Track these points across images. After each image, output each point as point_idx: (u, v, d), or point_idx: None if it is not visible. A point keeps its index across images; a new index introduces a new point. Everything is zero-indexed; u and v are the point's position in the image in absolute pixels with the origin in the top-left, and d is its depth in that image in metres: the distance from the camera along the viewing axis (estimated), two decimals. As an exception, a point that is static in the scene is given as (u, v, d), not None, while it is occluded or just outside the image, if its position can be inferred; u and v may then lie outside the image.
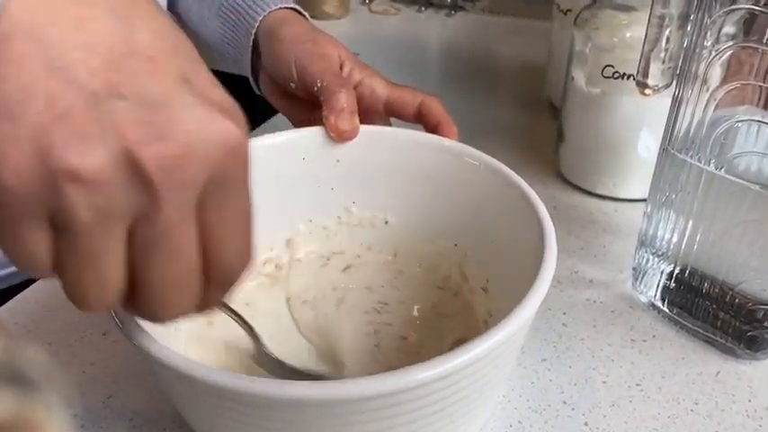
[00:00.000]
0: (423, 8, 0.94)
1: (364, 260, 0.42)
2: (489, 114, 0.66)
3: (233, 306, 0.33)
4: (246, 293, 0.38)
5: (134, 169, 0.19)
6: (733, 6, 0.32)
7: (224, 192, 0.21)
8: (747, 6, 0.32)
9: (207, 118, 0.20)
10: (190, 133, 0.20)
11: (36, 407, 0.14)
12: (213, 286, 0.23)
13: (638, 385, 0.37)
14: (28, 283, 0.44)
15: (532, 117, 0.65)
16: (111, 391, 0.37)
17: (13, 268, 0.50)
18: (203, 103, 0.20)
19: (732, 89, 0.35)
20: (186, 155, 0.20)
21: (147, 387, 0.37)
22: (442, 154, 0.39)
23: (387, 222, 0.42)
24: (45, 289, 0.44)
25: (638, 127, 0.48)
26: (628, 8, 0.46)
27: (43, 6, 0.19)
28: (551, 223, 0.32)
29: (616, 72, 0.47)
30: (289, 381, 0.25)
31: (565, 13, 0.59)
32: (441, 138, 0.40)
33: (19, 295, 0.43)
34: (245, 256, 0.23)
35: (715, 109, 0.35)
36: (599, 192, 0.52)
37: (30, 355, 0.14)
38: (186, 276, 0.22)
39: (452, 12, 0.92)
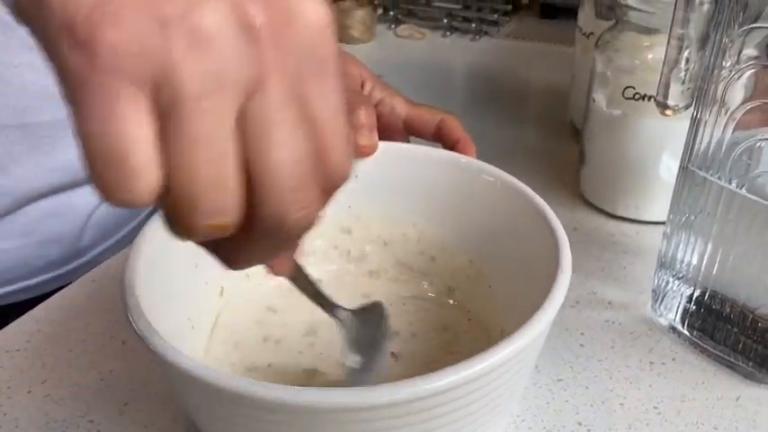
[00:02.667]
0: (448, 33, 0.95)
1: (383, 274, 0.43)
2: (513, 137, 0.66)
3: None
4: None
5: (248, 32, 0.17)
6: (752, 25, 0.32)
7: (322, 75, 0.19)
8: (765, 26, 0.32)
9: None
10: (291, 5, 0.18)
11: None
12: (327, 180, 0.20)
13: (655, 408, 0.36)
14: (52, 293, 0.46)
15: (555, 140, 0.65)
16: (127, 398, 0.37)
17: (41, 278, 0.52)
18: None
19: (753, 108, 0.35)
20: (290, 23, 0.18)
21: (162, 396, 0.37)
22: (460, 170, 0.39)
23: (405, 235, 0.42)
24: (68, 297, 0.45)
25: (660, 148, 0.47)
26: (649, 30, 0.46)
27: None
28: (567, 240, 0.32)
29: (637, 93, 0.47)
30: (303, 387, 0.25)
31: (587, 37, 0.59)
32: (458, 155, 0.40)
33: (43, 303, 0.44)
34: (349, 158, 0.20)
35: (735, 129, 0.35)
36: (620, 213, 0.52)
37: None
38: (306, 162, 0.19)
39: (477, 37, 0.93)
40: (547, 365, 0.39)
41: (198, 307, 0.36)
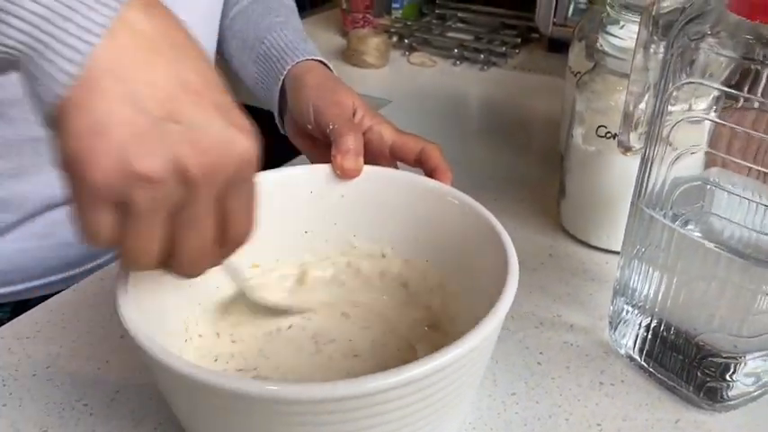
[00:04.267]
0: (458, 62, 0.99)
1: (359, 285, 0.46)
2: (507, 165, 0.70)
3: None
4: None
5: (183, 174, 0.27)
6: (691, 80, 0.35)
7: (240, 186, 0.29)
8: (696, 81, 0.35)
9: (233, 138, 0.28)
10: (221, 148, 0.27)
11: None
12: (227, 247, 0.32)
13: (598, 425, 0.39)
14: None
15: (546, 170, 0.68)
16: (119, 387, 0.42)
17: (57, 276, 0.57)
18: (230, 125, 0.28)
19: (700, 151, 0.38)
20: (218, 163, 0.27)
21: (150, 387, 0.41)
22: (429, 193, 0.43)
23: (384, 255, 0.46)
24: (77, 293, 0.49)
25: (628, 184, 0.50)
26: (622, 74, 0.50)
27: (121, 52, 0.26)
28: (515, 253, 0.36)
29: (608, 132, 0.50)
30: (261, 380, 0.28)
31: (575, 75, 0.63)
32: (429, 179, 0.44)
33: (54, 297, 0.49)
34: (250, 228, 0.32)
35: (679, 171, 0.38)
36: (593, 243, 0.55)
37: None
38: (209, 246, 0.30)
39: (485, 67, 0.97)
40: (504, 379, 0.42)
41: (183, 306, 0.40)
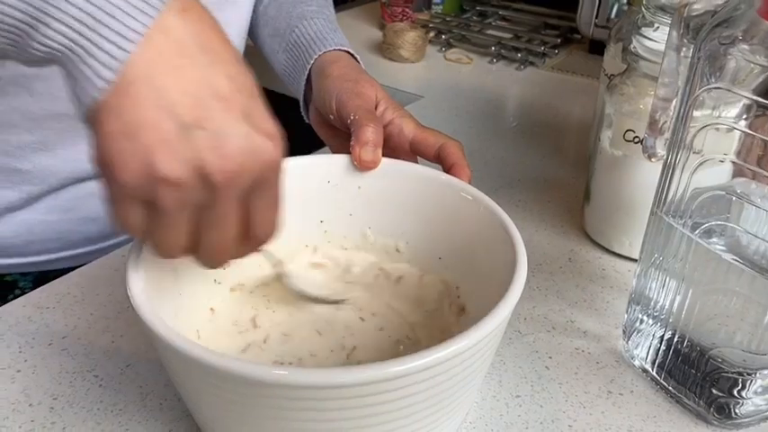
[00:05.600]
0: (495, 60, 0.98)
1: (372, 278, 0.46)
2: (536, 166, 0.69)
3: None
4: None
5: (205, 179, 0.28)
6: (716, 85, 0.34)
7: (263, 188, 0.30)
8: (724, 87, 0.34)
9: (258, 145, 0.29)
10: (244, 155, 0.28)
11: None
12: (251, 244, 0.33)
13: (602, 434, 0.39)
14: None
15: (575, 173, 0.67)
16: (131, 361, 0.42)
17: (78, 251, 0.58)
18: (256, 132, 0.29)
19: (725, 161, 0.37)
20: (240, 170, 0.28)
21: (159, 363, 0.42)
22: (443, 188, 0.43)
23: (398, 250, 0.46)
24: (97, 268, 0.51)
25: (653, 191, 0.49)
26: (654, 78, 0.48)
27: (155, 59, 0.27)
28: (524, 251, 0.35)
29: (636, 137, 0.49)
30: (269, 364, 0.29)
31: (609, 78, 0.61)
32: (443, 174, 0.44)
33: (75, 270, 0.50)
34: (274, 228, 0.33)
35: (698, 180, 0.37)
36: (615, 250, 0.54)
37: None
38: (230, 243, 0.32)
39: (522, 66, 0.96)
40: (509, 381, 0.42)
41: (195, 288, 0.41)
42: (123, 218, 0.29)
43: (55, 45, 0.27)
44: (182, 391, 0.35)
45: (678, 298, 0.39)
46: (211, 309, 0.42)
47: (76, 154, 0.52)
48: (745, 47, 0.34)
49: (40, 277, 0.56)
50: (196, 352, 0.29)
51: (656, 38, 0.48)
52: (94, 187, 0.55)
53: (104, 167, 0.28)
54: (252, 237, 0.32)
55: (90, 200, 0.55)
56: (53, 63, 0.29)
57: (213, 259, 0.32)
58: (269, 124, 0.30)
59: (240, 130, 0.28)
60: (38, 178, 0.52)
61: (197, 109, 0.28)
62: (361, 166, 0.45)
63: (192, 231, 0.30)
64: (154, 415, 0.39)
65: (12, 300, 0.47)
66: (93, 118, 0.27)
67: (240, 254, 0.33)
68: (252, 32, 0.64)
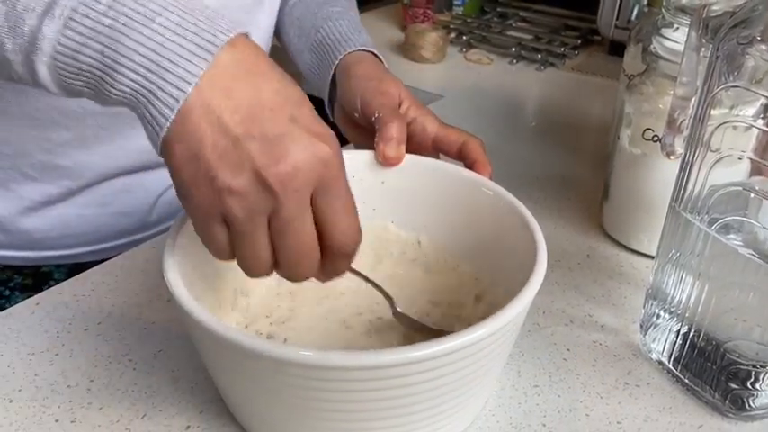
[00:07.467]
0: (515, 61, 0.99)
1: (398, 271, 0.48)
2: (555, 165, 0.70)
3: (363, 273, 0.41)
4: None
5: (263, 184, 0.30)
6: (734, 84, 0.35)
7: (327, 191, 0.32)
8: (742, 86, 0.35)
9: (308, 145, 0.30)
10: (297, 157, 0.30)
11: None
12: (333, 257, 0.34)
13: (618, 423, 0.40)
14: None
15: (594, 172, 0.68)
16: (163, 346, 0.44)
17: (113, 243, 0.60)
18: (306, 134, 0.30)
19: (743, 159, 0.38)
20: (295, 171, 0.30)
21: (190, 349, 0.43)
22: (464, 183, 0.44)
23: (419, 243, 0.48)
24: (131, 259, 0.53)
25: (672, 189, 0.50)
26: (673, 78, 0.49)
27: (207, 85, 0.30)
28: (544, 246, 0.37)
29: (655, 135, 0.50)
30: (294, 344, 0.30)
31: (629, 78, 0.62)
32: (465, 170, 0.45)
33: (110, 260, 0.52)
34: (352, 235, 0.33)
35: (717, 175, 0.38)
36: (633, 247, 0.55)
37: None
38: (307, 250, 0.32)
39: (542, 67, 0.96)
40: (528, 372, 0.43)
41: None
42: (210, 240, 0.32)
43: (127, 90, 0.30)
44: (213, 372, 0.36)
45: (695, 293, 0.40)
46: (244, 293, 0.43)
47: (113, 150, 0.54)
48: (763, 47, 0.35)
49: (74, 269, 0.58)
50: (230, 334, 0.30)
51: (676, 38, 0.48)
52: (129, 182, 0.57)
53: (181, 195, 0.31)
54: (331, 247, 0.33)
55: (124, 195, 0.57)
56: (126, 106, 0.31)
57: (295, 270, 0.33)
58: (318, 126, 0.31)
59: (290, 133, 0.30)
60: (76, 174, 0.54)
61: (247, 122, 0.30)
62: (385, 161, 0.46)
63: (271, 244, 0.32)
64: (185, 397, 0.40)
65: (47, 289, 0.49)
66: (166, 153, 0.30)
67: (328, 271, 0.34)
68: (278, 33, 0.66)
